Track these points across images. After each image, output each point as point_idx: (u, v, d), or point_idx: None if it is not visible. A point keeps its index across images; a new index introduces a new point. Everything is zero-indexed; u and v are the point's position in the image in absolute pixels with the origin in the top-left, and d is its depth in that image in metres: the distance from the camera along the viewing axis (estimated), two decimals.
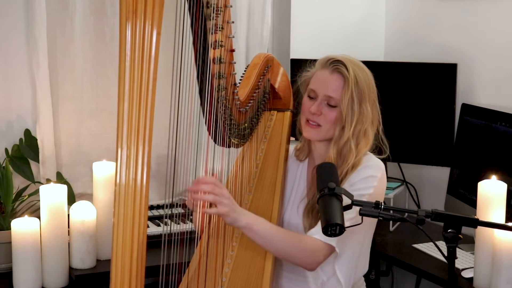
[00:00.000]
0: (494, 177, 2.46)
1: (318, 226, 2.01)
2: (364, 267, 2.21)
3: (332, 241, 2.00)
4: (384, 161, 2.22)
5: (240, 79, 2.25)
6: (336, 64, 2.11)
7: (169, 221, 2.70)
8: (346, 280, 2.13)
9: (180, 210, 2.86)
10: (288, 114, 2.44)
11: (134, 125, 1.61)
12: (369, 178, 2.09)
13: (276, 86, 2.39)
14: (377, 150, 2.19)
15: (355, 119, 2.09)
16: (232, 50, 2.02)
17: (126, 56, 1.60)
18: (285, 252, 2.01)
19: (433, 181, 3.25)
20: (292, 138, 2.39)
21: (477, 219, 1.64)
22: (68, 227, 2.55)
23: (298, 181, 2.26)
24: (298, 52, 3.33)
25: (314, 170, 1.92)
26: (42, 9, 2.88)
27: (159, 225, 2.83)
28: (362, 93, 2.09)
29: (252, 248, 2.03)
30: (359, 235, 2.12)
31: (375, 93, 2.15)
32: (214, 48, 1.89)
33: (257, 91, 2.27)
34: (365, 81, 2.11)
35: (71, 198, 2.80)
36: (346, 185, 2.06)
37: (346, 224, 1.62)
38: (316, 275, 2.14)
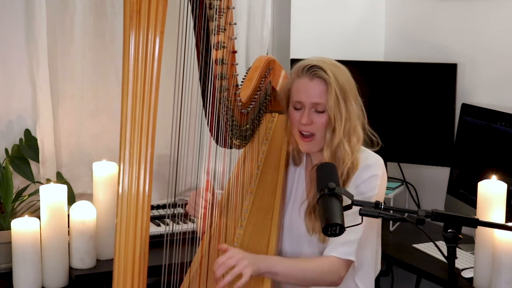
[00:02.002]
0: (494, 177, 2.46)
1: (332, 243, 2.02)
2: (378, 266, 2.23)
3: (350, 255, 2.02)
4: (385, 161, 2.22)
5: (242, 81, 2.25)
6: (313, 70, 2.09)
7: (169, 221, 2.69)
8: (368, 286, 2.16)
9: (181, 210, 2.85)
10: None
11: (137, 125, 1.61)
12: (371, 178, 2.10)
13: (278, 88, 2.39)
14: (370, 144, 2.19)
15: (343, 119, 2.08)
16: (234, 52, 2.02)
17: (130, 56, 1.60)
18: (307, 281, 2.02)
19: (433, 181, 3.25)
20: None
21: (477, 219, 1.64)
22: (68, 227, 2.55)
23: (297, 183, 2.26)
24: (298, 52, 3.33)
25: (313, 171, 1.92)
26: (42, 9, 2.87)
27: (159, 225, 2.83)
28: (344, 91, 2.09)
29: (253, 249, 2.04)
30: (372, 240, 2.13)
31: (355, 88, 2.14)
32: (217, 49, 1.89)
33: (258, 93, 2.27)
34: (344, 79, 2.11)
35: (71, 198, 2.79)
36: (351, 189, 2.06)
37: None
38: None
